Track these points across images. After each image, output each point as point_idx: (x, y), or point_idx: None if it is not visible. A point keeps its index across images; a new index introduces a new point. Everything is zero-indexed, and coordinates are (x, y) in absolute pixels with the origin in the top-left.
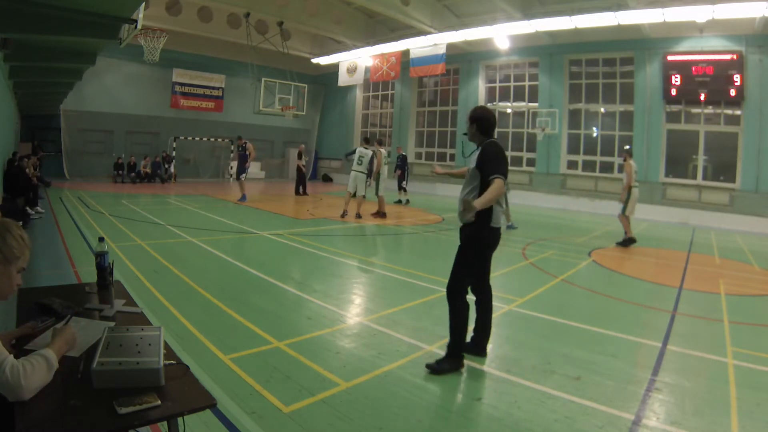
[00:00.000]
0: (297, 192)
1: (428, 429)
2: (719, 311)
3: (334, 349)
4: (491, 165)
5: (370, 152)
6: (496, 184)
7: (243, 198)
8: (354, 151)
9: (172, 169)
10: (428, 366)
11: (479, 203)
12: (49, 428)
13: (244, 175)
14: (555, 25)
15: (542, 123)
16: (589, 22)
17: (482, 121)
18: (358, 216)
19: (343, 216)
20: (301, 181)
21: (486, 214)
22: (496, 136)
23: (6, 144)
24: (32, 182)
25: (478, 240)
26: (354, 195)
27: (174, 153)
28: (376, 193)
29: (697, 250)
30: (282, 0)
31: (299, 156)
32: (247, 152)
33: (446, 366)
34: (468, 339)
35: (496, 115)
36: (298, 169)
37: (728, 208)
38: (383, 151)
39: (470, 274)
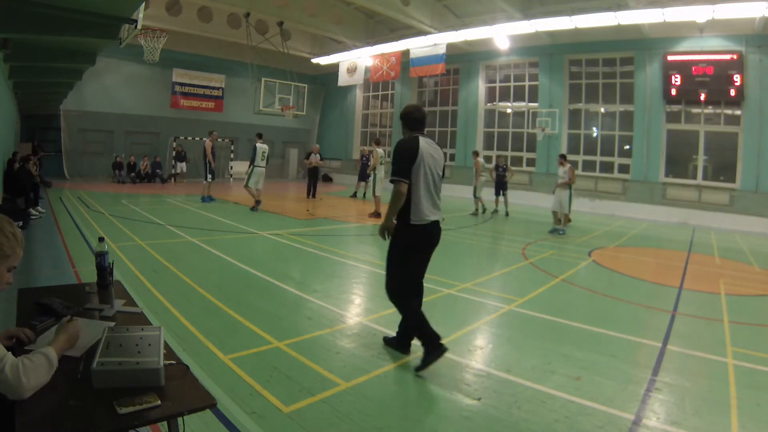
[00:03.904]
0: (308, 195)
1: (428, 429)
2: (719, 311)
3: (334, 349)
4: (392, 165)
5: (266, 146)
6: (393, 191)
7: (205, 199)
8: (255, 149)
9: (180, 170)
10: (417, 370)
11: (382, 220)
12: (49, 428)
13: (210, 176)
14: (555, 25)
15: (542, 123)
16: (589, 22)
17: (406, 117)
18: (377, 215)
19: (254, 209)
20: (313, 182)
21: (404, 209)
22: (425, 132)
23: (6, 144)
24: (35, 182)
25: (398, 239)
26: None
27: (174, 153)
28: (374, 194)
29: (697, 250)
30: (282, 0)
31: (307, 156)
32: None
33: (412, 354)
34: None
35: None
36: (311, 169)
37: (728, 208)
38: (380, 150)
39: (403, 275)
